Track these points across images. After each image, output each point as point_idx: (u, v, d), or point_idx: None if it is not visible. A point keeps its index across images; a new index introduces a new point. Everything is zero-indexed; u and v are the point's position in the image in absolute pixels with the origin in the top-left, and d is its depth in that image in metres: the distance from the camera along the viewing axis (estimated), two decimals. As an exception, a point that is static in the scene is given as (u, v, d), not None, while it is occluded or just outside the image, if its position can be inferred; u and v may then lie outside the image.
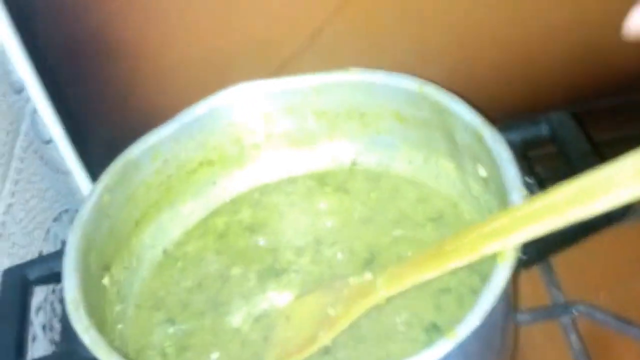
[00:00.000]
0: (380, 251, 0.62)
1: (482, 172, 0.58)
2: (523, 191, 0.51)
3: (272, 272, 0.62)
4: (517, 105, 0.72)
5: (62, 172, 0.77)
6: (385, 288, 0.54)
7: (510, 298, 0.55)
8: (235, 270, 0.63)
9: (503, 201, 0.53)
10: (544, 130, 0.59)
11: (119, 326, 0.58)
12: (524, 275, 0.61)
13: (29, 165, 0.69)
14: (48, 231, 0.71)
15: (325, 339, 0.54)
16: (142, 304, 0.61)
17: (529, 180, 0.56)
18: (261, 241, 0.65)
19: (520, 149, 0.59)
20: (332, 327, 0.55)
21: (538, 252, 0.52)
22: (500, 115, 0.66)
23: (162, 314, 0.60)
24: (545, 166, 0.60)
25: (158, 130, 0.62)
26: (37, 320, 0.64)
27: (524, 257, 0.52)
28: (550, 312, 0.62)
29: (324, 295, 0.57)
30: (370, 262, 0.61)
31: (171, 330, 0.59)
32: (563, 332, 0.62)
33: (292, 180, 0.70)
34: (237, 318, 0.58)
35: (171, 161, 0.64)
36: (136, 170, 0.61)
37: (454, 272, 0.58)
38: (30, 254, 0.66)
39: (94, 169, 0.74)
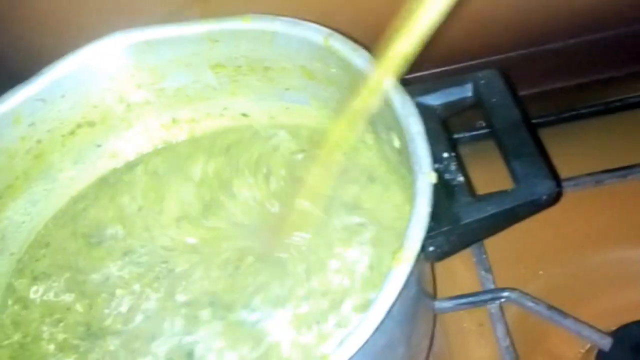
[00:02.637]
0: None
1: (396, 142, 0.49)
2: (431, 176, 0.42)
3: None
4: (445, 55, 0.62)
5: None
6: None
7: (422, 288, 0.47)
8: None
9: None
10: (468, 91, 0.50)
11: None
12: (459, 259, 0.53)
13: None
14: None
15: None
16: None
17: (447, 154, 0.47)
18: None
19: (442, 114, 0.50)
20: None
21: (450, 245, 0.45)
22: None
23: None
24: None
25: (17, 90, 0.53)
26: None
27: (432, 250, 0.44)
28: (475, 298, 0.55)
29: None
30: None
31: None
32: (491, 321, 0.55)
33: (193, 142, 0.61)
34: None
35: (39, 124, 0.54)
36: (-8, 138, 0.52)
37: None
38: None
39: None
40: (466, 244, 0.46)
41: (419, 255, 0.40)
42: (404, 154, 0.49)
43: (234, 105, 0.60)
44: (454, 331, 0.56)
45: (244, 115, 0.60)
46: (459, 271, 0.58)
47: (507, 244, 0.57)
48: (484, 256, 0.58)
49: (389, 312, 0.38)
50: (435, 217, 0.42)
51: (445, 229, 0.44)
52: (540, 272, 0.58)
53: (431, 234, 0.42)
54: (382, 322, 0.38)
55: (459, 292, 0.56)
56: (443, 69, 0.62)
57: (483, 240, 0.58)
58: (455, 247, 0.45)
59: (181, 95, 0.59)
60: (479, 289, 0.57)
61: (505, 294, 0.54)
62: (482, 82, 0.50)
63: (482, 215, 0.44)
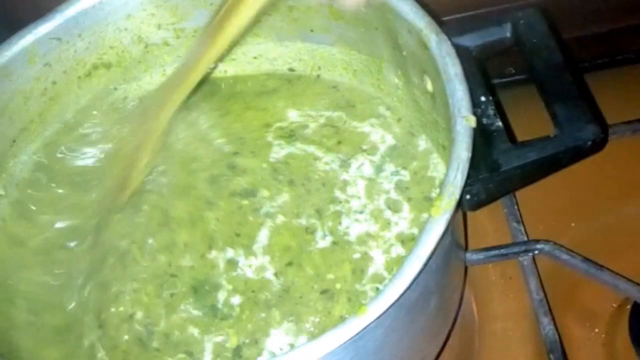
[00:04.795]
0: None
1: (429, 85, 0.47)
2: (471, 120, 0.40)
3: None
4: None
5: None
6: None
7: (455, 239, 0.45)
8: None
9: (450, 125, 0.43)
10: (507, 32, 0.47)
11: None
12: (488, 209, 0.51)
13: None
14: None
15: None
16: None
17: (485, 98, 0.45)
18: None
19: (478, 56, 0.48)
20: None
21: (487, 193, 0.43)
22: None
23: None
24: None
25: (33, 27, 0.50)
26: None
27: (468, 199, 0.42)
28: (507, 250, 0.53)
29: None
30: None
31: None
32: (523, 274, 0.53)
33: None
34: None
35: (55, 65, 0.52)
36: (7, 78, 0.50)
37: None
38: None
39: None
40: (503, 192, 0.44)
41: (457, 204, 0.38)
42: (438, 98, 0.46)
43: (255, 48, 0.57)
44: (481, 284, 0.55)
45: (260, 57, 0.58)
46: (489, 222, 0.56)
47: (538, 195, 0.54)
48: (515, 207, 0.56)
49: (427, 262, 0.36)
50: (473, 163, 0.39)
51: (484, 176, 0.42)
52: (572, 224, 0.56)
53: (469, 181, 0.40)
54: (413, 281, 0.36)
55: (489, 244, 0.54)
56: (478, 11, 0.59)
57: (513, 190, 0.56)
58: (492, 195, 0.43)
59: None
60: (509, 240, 0.55)
61: (539, 246, 0.52)
62: (522, 22, 0.47)
63: (522, 162, 0.42)
